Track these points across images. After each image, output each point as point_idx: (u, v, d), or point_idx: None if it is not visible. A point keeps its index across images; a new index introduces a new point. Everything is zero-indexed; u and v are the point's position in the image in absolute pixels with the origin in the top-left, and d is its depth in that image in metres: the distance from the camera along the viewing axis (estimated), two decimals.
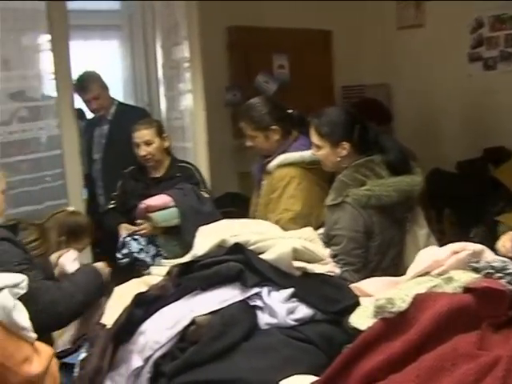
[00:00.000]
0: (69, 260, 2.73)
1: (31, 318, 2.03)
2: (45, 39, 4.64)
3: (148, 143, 3.86)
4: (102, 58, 8.58)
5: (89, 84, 4.70)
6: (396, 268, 2.90)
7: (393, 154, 2.95)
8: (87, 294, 2.44)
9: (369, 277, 2.35)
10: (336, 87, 6.27)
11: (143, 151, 3.85)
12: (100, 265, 2.73)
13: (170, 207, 3.67)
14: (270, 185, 3.39)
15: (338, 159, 2.97)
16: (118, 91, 8.67)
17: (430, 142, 5.73)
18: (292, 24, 5.84)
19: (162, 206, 3.67)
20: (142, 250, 3.68)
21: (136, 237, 3.70)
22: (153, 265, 3.22)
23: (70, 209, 3.42)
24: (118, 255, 3.69)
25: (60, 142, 4.51)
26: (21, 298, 1.96)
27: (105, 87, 4.78)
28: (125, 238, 3.71)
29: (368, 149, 2.97)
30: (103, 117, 4.77)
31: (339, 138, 2.95)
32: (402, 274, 2.01)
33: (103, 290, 2.55)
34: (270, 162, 3.39)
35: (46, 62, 4.59)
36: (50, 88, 4.61)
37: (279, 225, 3.10)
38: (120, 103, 4.91)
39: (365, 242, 2.84)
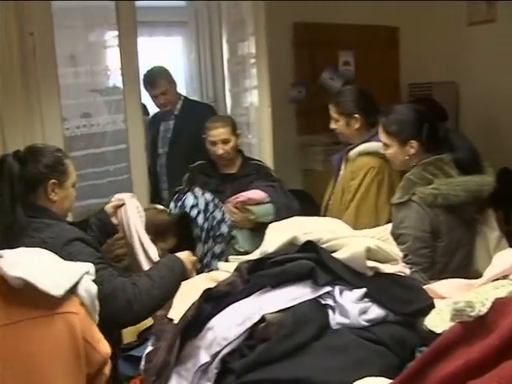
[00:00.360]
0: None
1: (108, 316, 2.14)
2: (111, 35, 4.71)
3: (225, 142, 3.81)
4: (165, 54, 8.69)
5: (157, 79, 4.72)
6: (465, 270, 2.84)
7: (462, 152, 2.88)
8: (165, 289, 2.43)
9: (436, 278, 2.29)
10: (402, 85, 6.17)
11: (221, 150, 3.80)
12: (186, 254, 2.72)
13: (265, 203, 3.65)
14: (349, 172, 3.47)
15: (407, 158, 2.94)
16: (181, 87, 8.77)
17: (497, 141, 5.57)
18: (358, 20, 5.79)
19: (260, 200, 3.64)
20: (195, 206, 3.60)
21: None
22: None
23: (160, 207, 3.45)
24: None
25: (126, 137, 4.58)
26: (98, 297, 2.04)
27: (173, 83, 4.79)
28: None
29: (437, 147, 2.92)
30: (169, 112, 4.78)
31: (407, 137, 2.93)
32: (471, 277, 1.95)
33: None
34: (350, 150, 3.47)
35: (113, 57, 4.66)
36: (116, 83, 4.68)
37: (353, 215, 3.12)
38: (186, 99, 4.90)
39: (431, 241, 2.79)
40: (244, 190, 3.68)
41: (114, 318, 2.30)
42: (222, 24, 5.14)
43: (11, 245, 2.20)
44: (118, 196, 3.03)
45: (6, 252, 1.60)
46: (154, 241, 2.93)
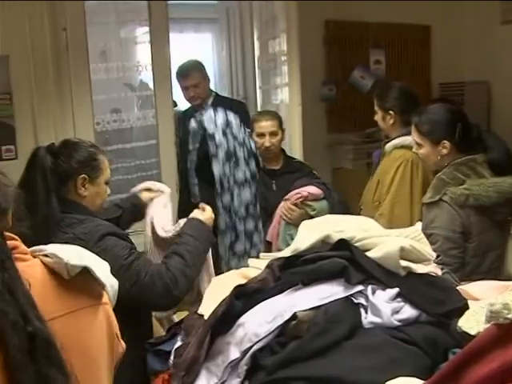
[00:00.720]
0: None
1: (149, 303, 2.34)
2: (142, 31, 4.73)
3: (273, 134, 3.83)
4: (195, 50, 8.71)
5: (190, 71, 4.64)
6: (496, 273, 2.80)
7: (496, 153, 2.85)
8: (196, 263, 2.50)
9: (466, 280, 2.27)
10: (434, 84, 6.11)
11: (268, 142, 3.80)
12: (208, 214, 2.75)
13: (321, 199, 3.66)
14: (384, 165, 3.51)
15: (439, 158, 2.91)
16: (211, 84, 8.80)
17: None
18: (390, 19, 5.74)
19: (318, 196, 3.64)
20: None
21: None
22: None
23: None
24: None
25: (156, 132, 4.60)
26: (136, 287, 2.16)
27: (205, 77, 4.72)
28: None
29: (470, 147, 2.88)
30: (200, 107, 4.72)
31: (440, 137, 2.91)
32: (503, 279, 1.93)
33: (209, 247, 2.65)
34: (387, 143, 3.54)
35: (144, 53, 4.68)
36: (147, 79, 4.71)
37: (388, 207, 3.10)
38: (218, 95, 4.85)
39: (462, 242, 2.77)
40: (289, 187, 3.69)
41: (155, 304, 2.40)
42: (254, 21, 5.14)
43: (44, 240, 2.22)
44: (159, 186, 3.06)
45: (47, 246, 1.60)
46: None
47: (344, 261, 1.84)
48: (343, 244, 1.91)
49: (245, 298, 1.89)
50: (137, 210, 2.96)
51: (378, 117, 3.65)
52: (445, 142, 2.89)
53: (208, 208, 2.79)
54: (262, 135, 3.81)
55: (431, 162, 3.00)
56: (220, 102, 4.61)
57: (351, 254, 1.86)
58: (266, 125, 3.81)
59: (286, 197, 3.63)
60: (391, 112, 3.54)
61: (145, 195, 3.00)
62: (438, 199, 2.81)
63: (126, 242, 2.37)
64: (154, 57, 4.54)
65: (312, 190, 3.62)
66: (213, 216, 2.79)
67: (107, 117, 4.54)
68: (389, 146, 3.51)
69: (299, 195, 3.57)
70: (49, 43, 4.21)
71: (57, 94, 4.22)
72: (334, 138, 5.48)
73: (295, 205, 3.58)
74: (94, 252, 1.93)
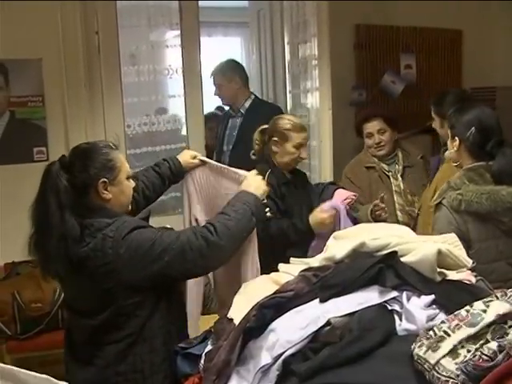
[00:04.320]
0: None
1: (186, 274, 2.48)
2: (172, 35, 4.75)
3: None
4: (224, 54, 8.73)
5: (215, 73, 4.90)
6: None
7: (500, 162, 2.80)
8: (242, 221, 2.48)
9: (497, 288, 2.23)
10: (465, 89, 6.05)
11: (305, 153, 3.60)
12: (256, 182, 2.73)
13: None
14: (443, 172, 3.47)
15: (452, 151, 3.00)
16: None
17: None
18: (421, 23, 5.71)
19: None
20: None
21: None
22: None
23: None
24: None
25: (186, 136, 4.62)
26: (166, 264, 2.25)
27: (230, 80, 4.83)
28: None
29: (487, 155, 2.85)
30: (237, 109, 4.82)
31: (455, 133, 2.97)
32: None
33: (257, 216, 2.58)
34: (445, 149, 3.46)
35: (174, 57, 4.70)
36: (177, 83, 4.72)
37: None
38: (256, 98, 4.96)
39: None
40: (305, 196, 3.65)
41: (194, 272, 2.46)
42: (284, 25, 5.13)
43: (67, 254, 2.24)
44: (200, 157, 3.07)
45: None
46: None
47: (380, 264, 1.82)
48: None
49: (275, 306, 1.88)
50: (175, 179, 3.03)
51: (435, 124, 3.74)
52: (457, 138, 2.93)
53: (258, 177, 2.78)
54: (299, 146, 3.54)
55: (450, 155, 3.08)
56: (257, 106, 4.71)
57: (387, 259, 1.84)
58: (305, 136, 3.59)
59: (331, 203, 3.50)
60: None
61: (189, 162, 3.03)
62: (438, 202, 2.85)
63: (151, 229, 2.36)
64: (185, 60, 4.56)
65: (348, 192, 3.56)
66: (265, 187, 2.75)
67: (138, 120, 4.57)
68: (448, 153, 3.43)
69: (349, 200, 3.48)
70: (81, 46, 4.26)
71: (88, 96, 4.26)
72: (363, 143, 5.45)
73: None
74: (124, 246, 2.17)
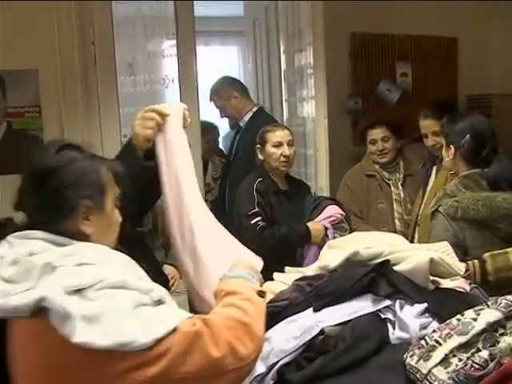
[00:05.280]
0: None
1: None
2: (169, 45, 4.76)
3: (290, 144, 3.76)
4: (221, 63, 8.75)
5: (212, 95, 4.89)
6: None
7: (495, 168, 2.81)
8: None
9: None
10: (460, 97, 6.07)
11: (287, 150, 3.69)
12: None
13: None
14: (442, 178, 3.51)
15: (447, 159, 3.00)
16: None
17: None
18: (416, 31, 5.72)
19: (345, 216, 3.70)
20: None
21: None
22: None
23: None
24: None
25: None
26: None
27: (226, 97, 4.80)
28: None
29: (482, 162, 2.86)
30: (237, 125, 4.88)
31: (449, 141, 2.99)
32: None
33: None
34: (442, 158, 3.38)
35: (171, 66, 4.71)
36: (173, 92, 4.73)
37: None
38: (259, 110, 4.79)
39: (458, 254, 2.71)
40: (300, 208, 3.69)
41: None
42: (280, 34, 5.15)
43: None
44: (162, 108, 2.21)
45: None
46: None
47: (372, 273, 1.83)
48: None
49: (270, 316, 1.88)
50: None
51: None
52: (452, 146, 2.95)
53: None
54: (279, 145, 3.67)
55: (445, 163, 3.12)
56: (254, 119, 4.63)
57: (380, 267, 1.85)
58: (283, 134, 3.72)
59: (316, 220, 3.56)
60: None
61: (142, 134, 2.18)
62: (435, 209, 2.86)
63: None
64: (181, 70, 4.56)
65: (338, 210, 3.61)
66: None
67: None
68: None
69: (333, 218, 3.53)
70: (77, 57, 4.26)
71: (85, 107, 4.27)
72: (360, 151, 5.46)
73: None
74: None
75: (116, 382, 1.37)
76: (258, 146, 3.78)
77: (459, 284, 2.07)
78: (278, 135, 3.70)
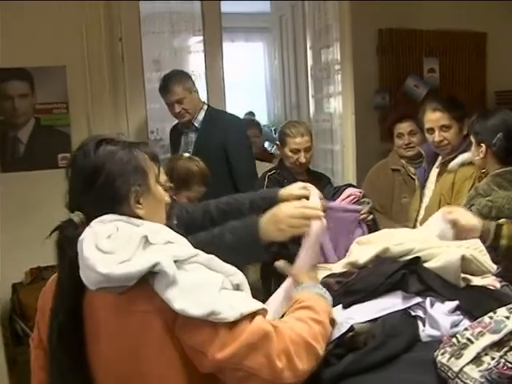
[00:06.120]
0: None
1: None
2: (195, 41, 4.78)
3: (307, 150, 3.71)
4: (246, 59, 8.77)
5: (172, 85, 4.13)
6: None
7: None
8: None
9: None
10: (489, 93, 6.00)
11: (304, 158, 3.68)
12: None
13: None
14: (448, 182, 3.32)
15: (477, 158, 2.92)
16: (261, 92, 8.85)
17: None
18: (444, 26, 5.66)
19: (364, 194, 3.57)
20: None
21: None
22: None
23: (186, 155, 3.43)
24: None
25: None
26: None
27: (192, 90, 4.20)
28: None
29: None
30: (189, 123, 4.23)
31: (480, 139, 2.90)
32: None
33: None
34: (447, 160, 3.38)
35: (197, 62, 4.73)
36: (199, 88, 4.74)
37: None
38: (209, 108, 4.31)
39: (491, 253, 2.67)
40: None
41: None
42: (307, 30, 5.14)
43: None
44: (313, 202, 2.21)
45: None
46: (177, 189, 2.90)
47: (403, 270, 1.81)
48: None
49: None
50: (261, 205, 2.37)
51: (451, 132, 3.41)
52: (482, 145, 2.88)
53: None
54: (297, 151, 3.69)
55: (476, 163, 3.00)
56: (213, 118, 4.21)
57: (411, 264, 1.83)
58: (301, 141, 3.68)
59: (331, 205, 3.48)
60: (467, 119, 3.35)
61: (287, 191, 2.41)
62: (467, 209, 2.76)
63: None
64: (208, 66, 4.58)
65: (356, 190, 3.54)
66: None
67: (160, 125, 4.59)
68: (454, 164, 3.33)
69: (353, 196, 3.47)
70: (105, 53, 4.29)
71: (112, 103, 4.30)
72: (387, 147, 5.43)
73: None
74: None
75: (188, 350, 1.51)
76: (278, 143, 3.84)
77: (490, 282, 2.04)
78: (296, 142, 3.68)
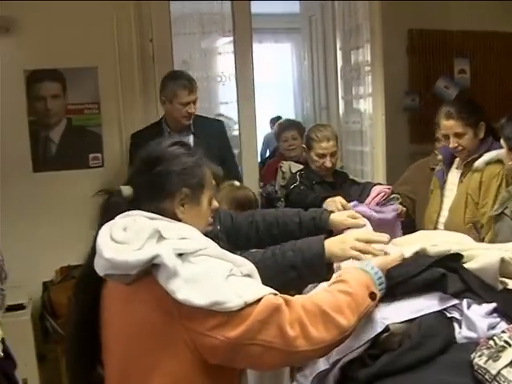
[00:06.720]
0: None
1: None
2: (223, 42, 4.79)
3: (333, 154, 3.71)
4: (274, 60, 8.78)
5: (194, 84, 4.05)
6: None
7: None
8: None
9: None
10: None
11: (329, 163, 3.68)
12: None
13: None
14: (476, 181, 3.26)
15: (510, 164, 2.85)
16: (289, 93, 8.85)
17: None
18: (475, 27, 5.61)
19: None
20: None
21: None
22: None
23: (236, 183, 3.47)
24: None
25: (239, 142, 4.65)
26: None
27: (195, 90, 4.07)
28: None
29: None
30: (185, 128, 4.10)
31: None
32: None
33: None
34: (471, 160, 3.31)
35: (225, 64, 4.74)
36: (228, 89, 4.76)
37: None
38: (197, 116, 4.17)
39: None
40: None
41: None
42: (336, 31, 5.13)
43: None
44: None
45: None
46: None
47: (442, 269, 1.79)
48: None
49: None
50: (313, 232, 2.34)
51: (466, 138, 3.33)
52: None
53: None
54: (322, 156, 3.69)
55: (506, 166, 2.95)
56: (199, 122, 4.15)
57: (451, 261, 1.82)
58: (327, 146, 3.69)
59: (366, 201, 3.48)
60: (481, 123, 3.33)
61: (338, 218, 2.45)
62: (500, 212, 2.77)
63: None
64: (238, 67, 4.59)
65: (384, 187, 3.52)
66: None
67: None
68: (480, 162, 3.25)
69: (383, 193, 3.45)
70: (135, 54, 4.33)
71: (143, 103, 4.33)
72: (416, 149, 5.40)
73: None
74: None
75: (199, 337, 1.54)
76: (304, 146, 3.85)
77: None
78: (322, 147, 3.70)
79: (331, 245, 2.03)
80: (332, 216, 2.44)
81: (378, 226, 3.01)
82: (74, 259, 4.12)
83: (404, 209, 3.33)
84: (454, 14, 5.48)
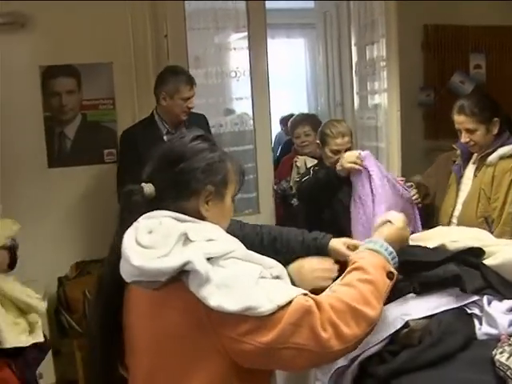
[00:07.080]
0: None
1: None
2: (237, 37, 4.78)
3: (348, 150, 3.60)
4: (287, 55, 8.75)
5: (193, 79, 4.01)
6: None
7: None
8: None
9: None
10: None
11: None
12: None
13: None
14: (488, 176, 3.22)
15: None
16: (303, 89, 8.82)
17: None
18: (490, 21, 5.58)
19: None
20: None
21: None
22: None
23: None
24: None
25: (253, 137, 4.64)
26: None
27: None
28: None
29: None
30: (181, 123, 4.04)
31: None
32: None
33: None
34: (485, 155, 3.26)
35: (239, 59, 4.72)
36: (243, 85, 4.74)
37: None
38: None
39: None
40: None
41: None
42: (351, 27, 5.10)
43: None
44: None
45: None
46: None
47: (457, 268, 1.78)
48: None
49: None
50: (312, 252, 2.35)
51: (478, 134, 3.28)
52: None
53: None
54: (337, 152, 3.60)
55: None
56: (190, 117, 4.07)
57: (473, 255, 1.81)
58: (342, 142, 3.61)
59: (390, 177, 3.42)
60: (495, 119, 3.26)
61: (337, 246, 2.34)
62: None
63: None
64: (252, 63, 4.58)
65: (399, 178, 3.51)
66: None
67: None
68: (493, 158, 3.21)
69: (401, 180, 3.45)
70: (150, 50, 4.32)
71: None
72: (431, 145, 5.38)
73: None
74: None
75: (230, 342, 1.51)
76: (318, 142, 3.77)
77: None
78: (337, 143, 3.61)
79: (294, 275, 1.96)
80: (331, 243, 2.37)
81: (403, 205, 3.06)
82: (88, 255, 4.15)
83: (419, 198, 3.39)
84: (469, 9, 5.44)
